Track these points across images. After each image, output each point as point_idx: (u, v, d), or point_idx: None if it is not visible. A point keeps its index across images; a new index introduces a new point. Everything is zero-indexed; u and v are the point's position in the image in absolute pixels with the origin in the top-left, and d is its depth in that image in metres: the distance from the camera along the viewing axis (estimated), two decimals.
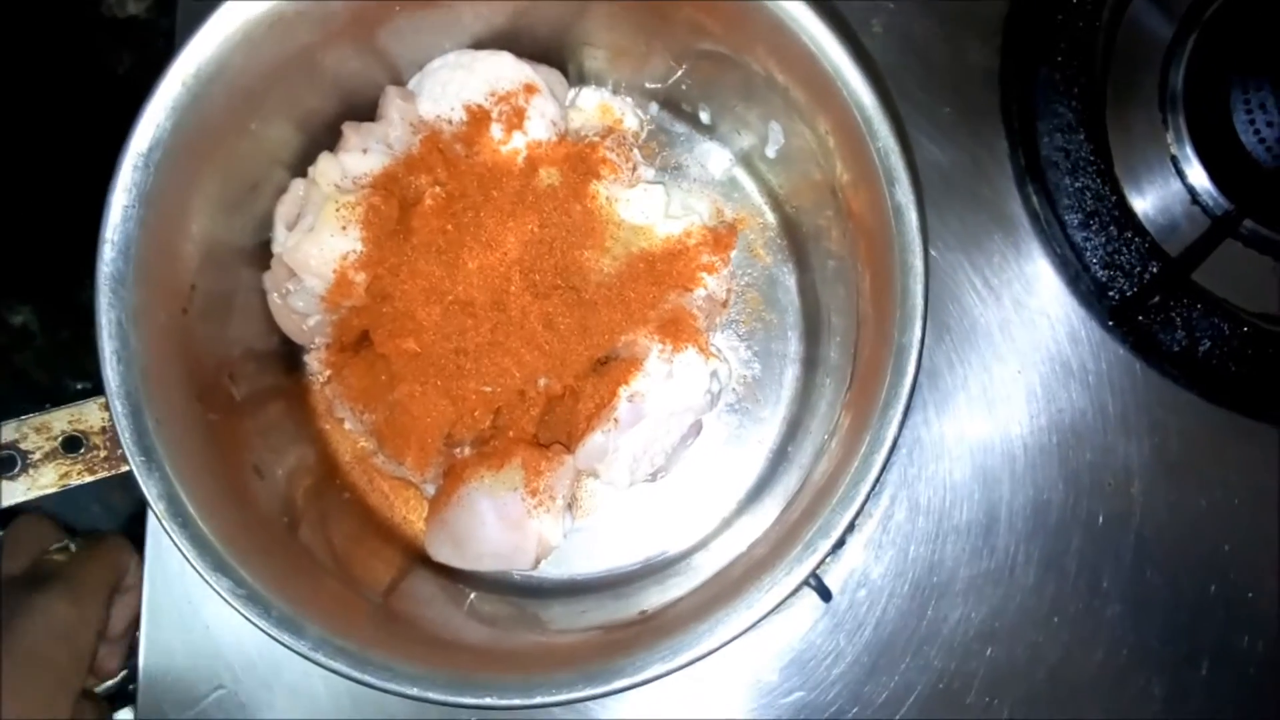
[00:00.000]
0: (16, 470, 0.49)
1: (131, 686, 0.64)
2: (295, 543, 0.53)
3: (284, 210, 0.58)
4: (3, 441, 0.49)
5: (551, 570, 0.63)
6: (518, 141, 0.59)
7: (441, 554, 0.59)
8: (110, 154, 0.48)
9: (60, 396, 0.88)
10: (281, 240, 0.57)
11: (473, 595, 0.61)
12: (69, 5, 0.96)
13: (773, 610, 0.46)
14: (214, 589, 0.45)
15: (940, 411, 0.68)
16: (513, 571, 0.62)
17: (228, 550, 0.47)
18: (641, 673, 0.46)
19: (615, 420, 0.57)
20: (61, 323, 0.91)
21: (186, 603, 0.64)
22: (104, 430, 0.50)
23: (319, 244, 0.55)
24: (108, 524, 0.84)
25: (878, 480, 0.47)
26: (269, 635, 0.45)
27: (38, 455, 0.49)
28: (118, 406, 0.46)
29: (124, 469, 0.47)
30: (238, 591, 0.45)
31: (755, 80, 0.56)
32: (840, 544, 0.53)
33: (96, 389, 0.47)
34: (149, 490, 0.46)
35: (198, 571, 0.45)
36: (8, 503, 0.49)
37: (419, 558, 0.61)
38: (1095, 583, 0.68)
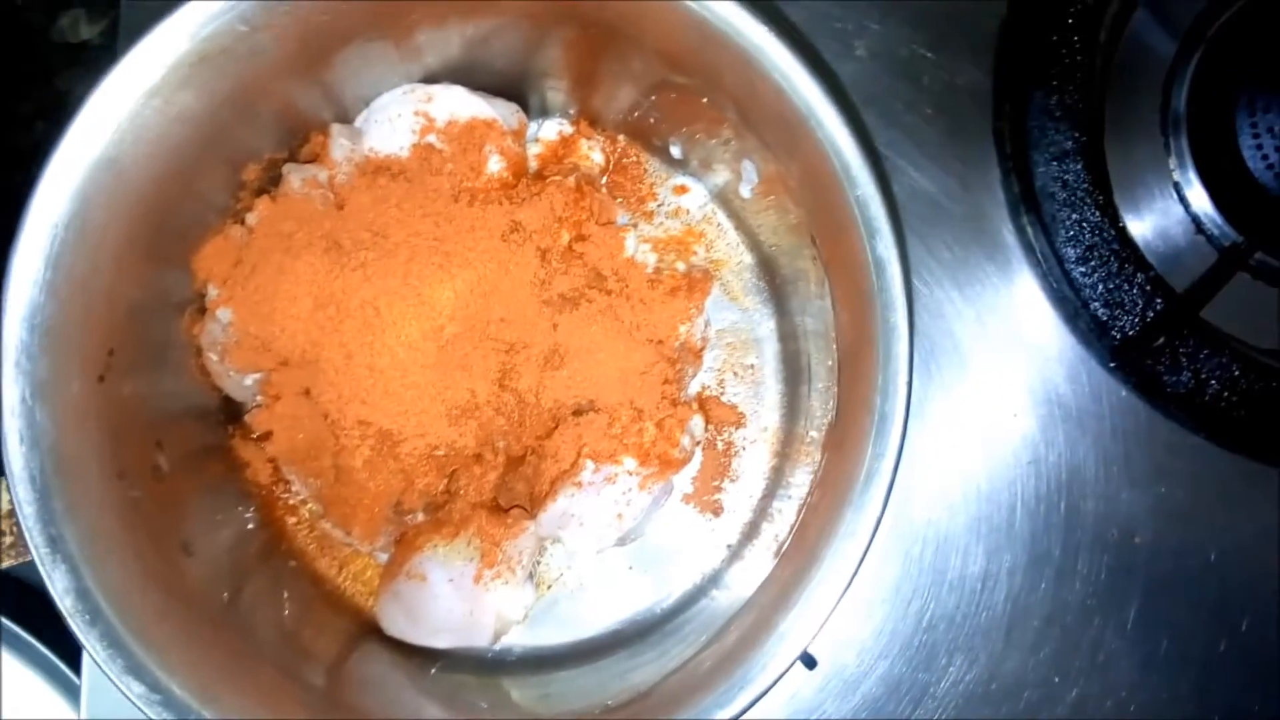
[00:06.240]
0: None
1: None
2: (230, 625, 0.49)
3: None
4: None
5: (516, 640, 0.58)
6: (472, 181, 0.55)
7: (395, 628, 0.55)
8: None
9: None
10: (216, 293, 0.53)
11: (434, 670, 0.56)
12: (20, 29, 0.92)
13: (742, 713, 0.42)
14: (126, 695, 0.41)
15: (932, 457, 0.64)
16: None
17: (145, 647, 0.42)
18: None
19: (579, 483, 0.53)
20: None
21: None
22: (13, 514, 0.45)
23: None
24: None
25: (860, 562, 0.43)
26: None
27: None
28: (20, 493, 0.41)
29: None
30: (151, 698, 0.41)
31: (726, 115, 0.51)
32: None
33: None
34: (53, 584, 0.41)
35: (108, 676, 0.41)
36: None
37: (373, 629, 0.57)
38: (1099, 638, 0.64)
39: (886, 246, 0.43)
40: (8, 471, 0.42)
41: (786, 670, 0.43)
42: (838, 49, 0.65)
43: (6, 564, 0.44)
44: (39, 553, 0.42)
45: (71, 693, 0.76)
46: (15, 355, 0.42)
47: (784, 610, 0.44)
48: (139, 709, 0.41)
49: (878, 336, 0.44)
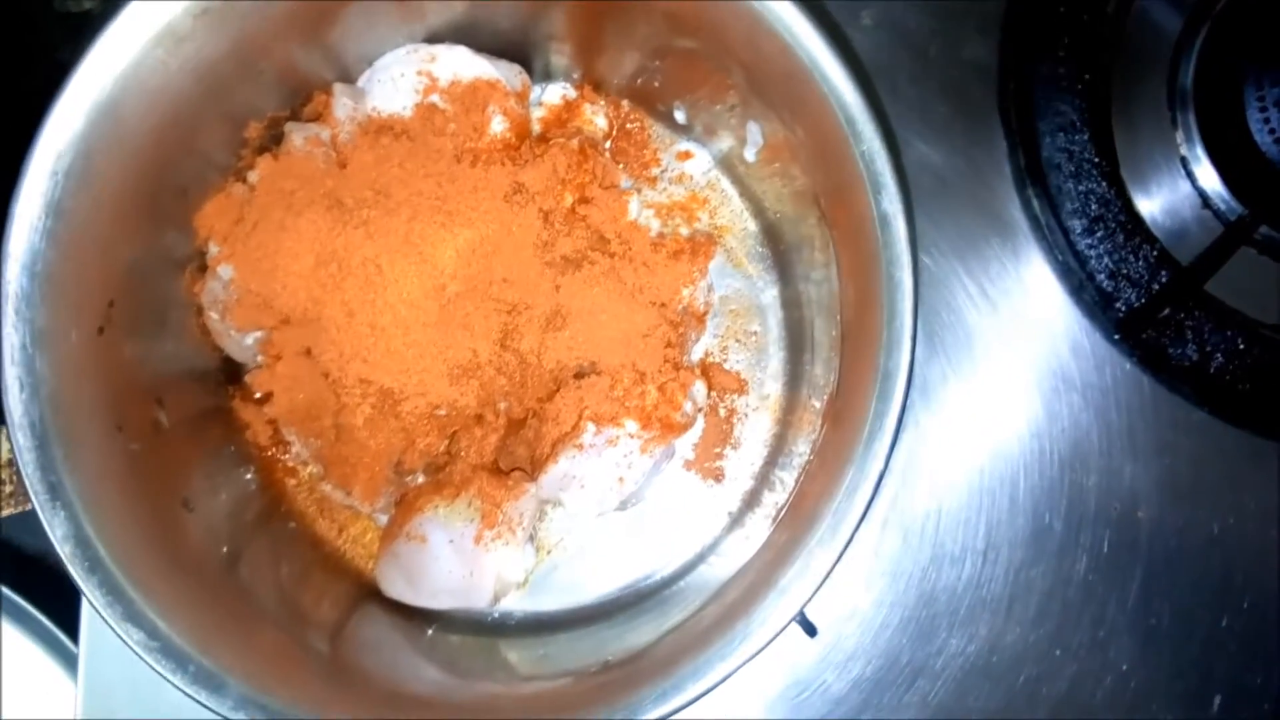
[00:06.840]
0: None
1: None
2: (231, 585, 0.49)
3: None
4: None
5: (516, 605, 0.58)
6: (475, 142, 0.54)
7: (394, 589, 0.55)
8: None
9: None
10: (218, 250, 0.53)
11: (431, 631, 0.56)
12: (21, 3, 0.91)
13: (742, 665, 0.41)
14: (124, 641, 0.41)
15: (934, 430, 0.64)
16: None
17: (144, 597, 0.42)
18: None
19: (580, 445, 0.53)
20: None
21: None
22: (12, 463, 0.45)
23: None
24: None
25: (861, 519, 0.43)
26: (185, 694, 0.41)
27: None
28: (20, 439, 0.41)
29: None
30: (150, 644, 0.41)
31: (731, 78, 0.51)
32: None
33: None
34: (53, 530, 0.41)
35: (106, 622, 0.41)
36: None
37: (372, 592, 0.57)
38: (1100, 614, 0.64)
39: (891, 201, 0.43)
40: (8, 418, 0.42)
41: (786, 626, 0.43)
42: (844, 17, 0.65)
43: (6, 512, 0.44)
44: (39, 499, 0.41)
45: (69, 661, 0.76)
46: (16, 302, 0.42)
47: (784, 567, 0.44)
48: (138, 655, 0.41)
49: (882, 293, 0.44)
